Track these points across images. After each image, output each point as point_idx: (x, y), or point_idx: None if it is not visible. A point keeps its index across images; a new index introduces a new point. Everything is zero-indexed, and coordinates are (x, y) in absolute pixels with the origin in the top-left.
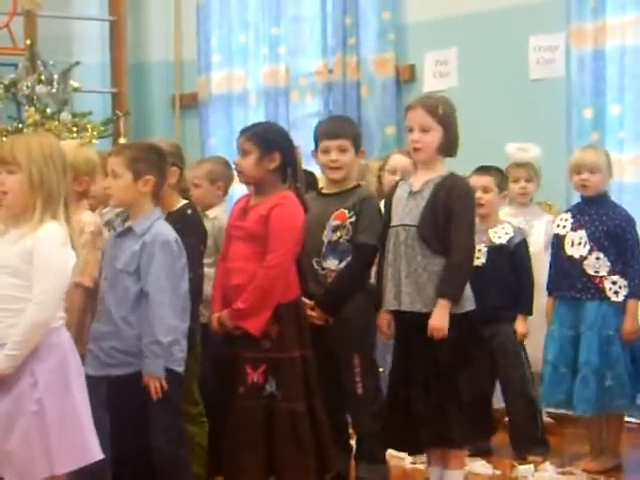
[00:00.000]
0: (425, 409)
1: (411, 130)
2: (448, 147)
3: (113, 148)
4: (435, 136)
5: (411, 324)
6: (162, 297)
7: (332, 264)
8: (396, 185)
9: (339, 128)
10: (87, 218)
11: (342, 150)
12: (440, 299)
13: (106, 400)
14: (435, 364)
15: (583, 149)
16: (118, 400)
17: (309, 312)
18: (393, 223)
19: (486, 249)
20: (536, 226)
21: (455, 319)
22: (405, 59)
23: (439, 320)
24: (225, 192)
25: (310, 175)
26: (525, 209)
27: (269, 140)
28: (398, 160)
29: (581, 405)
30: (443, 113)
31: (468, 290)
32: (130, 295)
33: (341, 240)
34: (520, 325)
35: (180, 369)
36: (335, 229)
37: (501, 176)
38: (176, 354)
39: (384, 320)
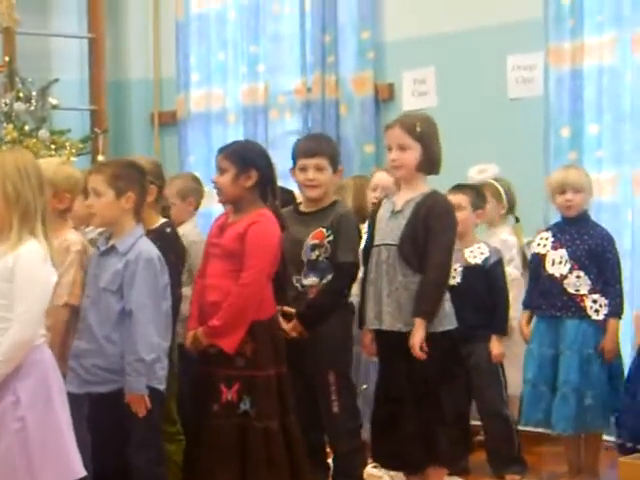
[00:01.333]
0: (411, 427)
1: (390, 149)
2: (428, 165)
3: (93, 167)
4: (413, 154)
5: (392, 343)
6: (145, 315)
7: (312, 281)
8: (379, 203)
9: (316, 146)
10: (72, 237)
11: (319, 169)
12: (416, 317)
13: (87, 418)
14: (417, 382)
15: (565, 168)
16: (100, 418)
17: (283, 324)
18: (375, 242)
19: (461, 269)
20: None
21: (436, 337)
22: (384, 78)
23: (414, 338)
24: (196, 207)
25: (288, 193)
26: (491, 230)
27: (245, 158)
28: (380, 178)
29: (560, 424)
30: (421, 131)
31: (449, 308)
32: (113, 313)
33: (320, 259)
34: (495, 346)
35: (162, 387)
36: (313, 248)
37: (477, 195)
38: (158, 372)
39: (367, 337)
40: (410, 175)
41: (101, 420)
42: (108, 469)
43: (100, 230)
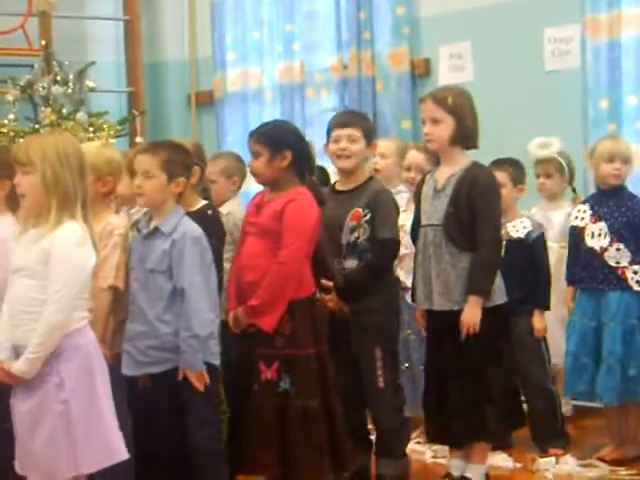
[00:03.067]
0: (460, 403)
1: (424, 123)
2: (463, 137)
3: (142, 147)
4: (446, 127)
5: (443, 321)
6: (197, 291)
7: (352, 264)
8: (422, 181)
9: (350, 118)
10: (116, 220)
11: (352, 140)
12: (470, 296)
13: (140, 398)
14: (465, 358)
15: (612, 139)
16: (153, 398)
17: (325, 297)
18: (422, 222)
19: (504, 243)
20: (553, 218)
21: (487, 312)
22: (420, 53)
23: (470, 316)
24: (239, 187)
25: (322, 171)
26: (553, 203)
27: (278, 139)
28: (412, 157)
29: (606, 395)
30: (453, 103)
31: (499, 283)
32: (164, 293)
33: (359, 241)
34: (537, 320)
35: (217, 362)
36: (352, 230)
37: (516, 170)
38: (212, 348)
39: (419, 312)
40: (444, 148)
41: (153, 401)
42: (161, 450)
43: (144, 210)
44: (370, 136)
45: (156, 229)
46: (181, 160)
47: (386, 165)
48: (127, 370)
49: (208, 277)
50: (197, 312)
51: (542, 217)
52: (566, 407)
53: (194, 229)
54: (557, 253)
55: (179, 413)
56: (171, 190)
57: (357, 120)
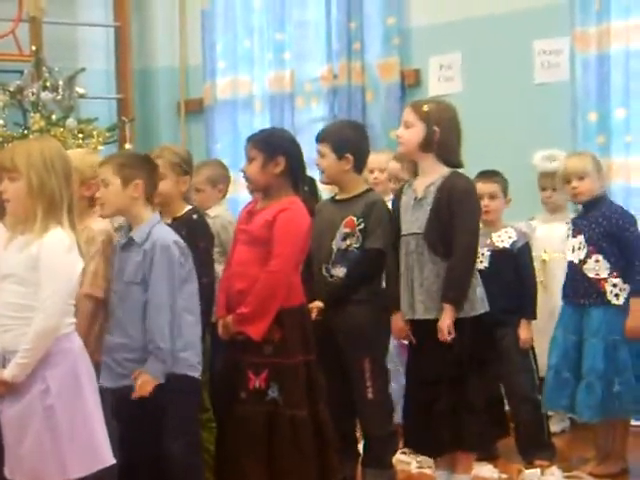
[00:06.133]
0: (440, 412)
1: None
2: (437, 147)
3: (102, 159)
4: (415, 132)
5: (426, 330)
6: (159, 304)
7: (340, 271)
8: (401, 190)
9: (323, 132)
10: (98, 226)
11: (321, 155)
12: (444, 303)
13: (115, 411)
14: (447, 368)
15: (567, 157)
16: (132, 410)
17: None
18: (403, 232)
19: (489, 253)
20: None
21: (468, 322)
22: (410, 64)
23: (441, 321)
24: (224, 194)
25: (311, 181)
26: (558, 214)
27: (273, 145)
28: (393, 167)
29: (585, 412)
30: (428, 112)
31: (481, 293)
32: (140, 305)
33: (350, 248)
34: (523, 330)
35: (195, 374)
36: (345, 237)
37: (504, 181)
38: (191, 359)
39: (398, 324)
40: (412, 153)
41: (133, 412)
42: (140, 460)
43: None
44: (341, 150)
45: (131, 239)
46: (135, 164)
47: (385, 178)
48: (106, 382)
49: (178, 286)
50: (159, 323)
51: (545, 229)
52: (563, 424)
53: (165, 237)
54: (560, 264)
55: (155, 423)
56: (129, 194)
57: (327, 134)
